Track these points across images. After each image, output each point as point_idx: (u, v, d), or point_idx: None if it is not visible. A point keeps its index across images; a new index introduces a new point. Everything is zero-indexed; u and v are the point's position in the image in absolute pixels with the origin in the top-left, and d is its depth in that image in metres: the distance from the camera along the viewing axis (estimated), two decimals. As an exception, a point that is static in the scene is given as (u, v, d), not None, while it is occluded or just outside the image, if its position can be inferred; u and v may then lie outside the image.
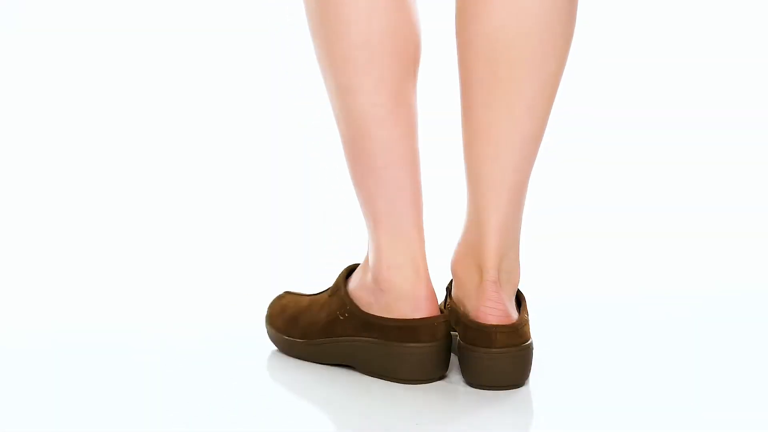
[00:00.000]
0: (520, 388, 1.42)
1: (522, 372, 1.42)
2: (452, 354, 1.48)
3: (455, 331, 1.48)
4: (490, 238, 1.43)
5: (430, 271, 1.48)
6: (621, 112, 2.65)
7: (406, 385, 1.44)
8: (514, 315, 1.43)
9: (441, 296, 1.60)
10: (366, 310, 1.47)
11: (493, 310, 1.42)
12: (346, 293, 1.50)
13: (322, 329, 1.51)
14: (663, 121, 2.64)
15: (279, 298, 1.59)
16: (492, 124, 1.42)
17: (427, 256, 1.48)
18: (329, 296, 1.54)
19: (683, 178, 2.51)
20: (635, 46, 2.71)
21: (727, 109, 2.66)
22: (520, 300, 1.49)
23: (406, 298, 1.46)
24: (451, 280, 1.53)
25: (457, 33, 1.43)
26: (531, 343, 1.42)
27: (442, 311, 1.49)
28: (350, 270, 1.54)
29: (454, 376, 1.46)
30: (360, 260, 1.54)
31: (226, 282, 1.95)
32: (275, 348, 1.59)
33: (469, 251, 1.46)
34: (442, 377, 1.46)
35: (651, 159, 2.57)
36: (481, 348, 1.41)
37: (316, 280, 1.74)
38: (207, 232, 2.20)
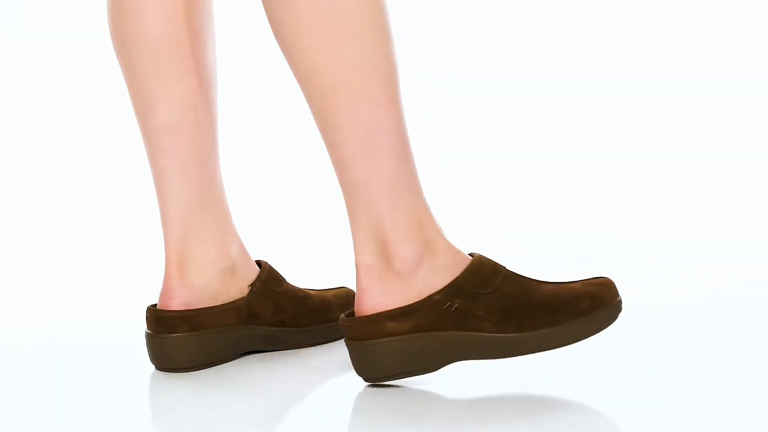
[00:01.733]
0: (519, 389, 1.42)
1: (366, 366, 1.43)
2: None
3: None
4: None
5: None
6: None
7: (405, 388, 1.44)
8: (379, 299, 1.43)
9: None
10: None
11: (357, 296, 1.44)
12: None
13: None
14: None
15: None
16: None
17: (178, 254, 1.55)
18: None
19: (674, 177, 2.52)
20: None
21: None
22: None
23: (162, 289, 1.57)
24: None
25: None
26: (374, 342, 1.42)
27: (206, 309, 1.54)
28: None
29: (454, 377, 1.46)
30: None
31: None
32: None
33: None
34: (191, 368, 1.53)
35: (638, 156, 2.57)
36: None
37: (313, 278, 1.75)
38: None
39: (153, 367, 1.55)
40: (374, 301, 1.42)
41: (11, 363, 1.61)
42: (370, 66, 1.39)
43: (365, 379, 1.44)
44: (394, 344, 1.41)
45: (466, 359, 1.42)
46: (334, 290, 1.67)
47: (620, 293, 1.45)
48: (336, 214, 2.31)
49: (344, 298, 1.66)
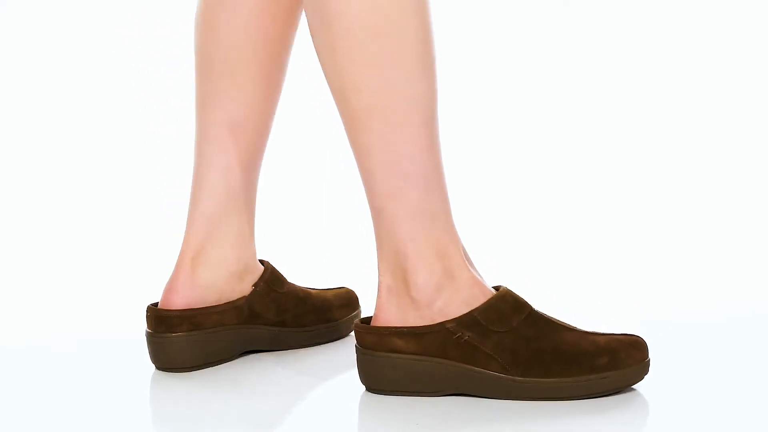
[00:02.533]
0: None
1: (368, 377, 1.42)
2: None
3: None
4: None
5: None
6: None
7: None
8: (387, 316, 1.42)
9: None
10: None
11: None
12: None
13: None
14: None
15: None
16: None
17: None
18: None
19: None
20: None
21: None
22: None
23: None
24: None
25: None
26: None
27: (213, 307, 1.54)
28: None
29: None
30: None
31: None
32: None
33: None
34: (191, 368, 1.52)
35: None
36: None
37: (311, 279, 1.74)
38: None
39: (153, 366, 1.54)
40: (388, 319, 1.42)
41: (11, 363, 1.61)
42: (402, 92, 1.37)
43: (366, 388, 1.43)
44: (398, 361, 1.40)
45: (468, 393, 1.40)
46: (334, 290, 1.67)
47: (650, 355, 1.39)
48: (338, 215, 2.31)
49: (345, 299, 1.65)
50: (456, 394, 1.40)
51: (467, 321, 1.39)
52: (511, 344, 1.38)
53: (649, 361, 1.39)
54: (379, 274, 1.43)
